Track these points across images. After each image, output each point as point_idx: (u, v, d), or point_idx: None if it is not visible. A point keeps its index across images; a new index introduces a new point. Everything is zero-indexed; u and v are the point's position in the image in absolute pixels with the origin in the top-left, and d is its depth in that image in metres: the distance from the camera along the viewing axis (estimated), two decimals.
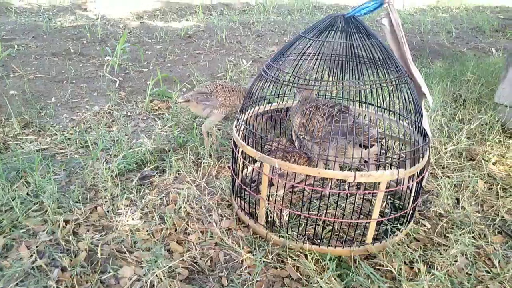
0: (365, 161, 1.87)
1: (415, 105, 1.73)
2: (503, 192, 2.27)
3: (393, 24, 1.66)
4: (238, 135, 1.82)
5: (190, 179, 2.18)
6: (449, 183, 2.26)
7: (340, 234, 1.82)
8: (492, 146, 2.74)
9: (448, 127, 2.92)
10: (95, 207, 1.94)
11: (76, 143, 2.76)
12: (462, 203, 2.12)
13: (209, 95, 2.64)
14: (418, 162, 1.69)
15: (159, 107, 3.63)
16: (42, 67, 4.40)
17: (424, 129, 1.73)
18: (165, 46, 5.67)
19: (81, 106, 3.49)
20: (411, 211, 1.85)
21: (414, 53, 5.78)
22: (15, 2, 8.08)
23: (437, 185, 2.28)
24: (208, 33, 6.61)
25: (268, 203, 1.77)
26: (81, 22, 6.92)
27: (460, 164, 2.51)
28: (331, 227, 1.84)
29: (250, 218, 1.83)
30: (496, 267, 1.69)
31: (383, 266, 1.65)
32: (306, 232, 1.81)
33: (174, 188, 2.13)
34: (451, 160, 2.52)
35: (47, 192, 1.95)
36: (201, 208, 1.95)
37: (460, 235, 1.86)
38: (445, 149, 2.59)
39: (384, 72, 1.72)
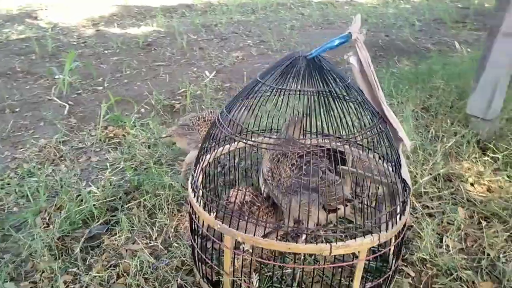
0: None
1: (392, 152, 1.53)
2: (485, 221, 2.12)
3: (362, 63, 1.45)
4: (194, 196, 1.56)
5: (144, 241, 1.91)
6: (428, 215, 2.10)
7: None
8: (469, 165, 2.60)
9: (424, 146, 2.76)
10: None
11: (15, 192, 2.43)
12: (445, 241, 1.96)
13: (191, 128, 2.41)
14: (400, 218, 1.50)
15: (114, 134, 3.30)
16: None
17: (404, 180, 1.53)
18: (122, 57, 5.30)
19: (25, 140, 3.12)
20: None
21: (380, 52, 5.66)
22: None
23: (416, 218, 2.12)
24: (169, 39, 6.25)
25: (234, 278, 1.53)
26: (31, 33, 6.39)
27: (438, 190, 2.36)
28: None
29: None
30: None
31: None
32: None
33: (126, 251, 1.86)
34: (429, 187, 2.36)
35: None
36: (157, 278, 1.69)
37: (447, 285, 1.70)
38: (422, 174, 2.42)
39: (358, 118, 1.51)
